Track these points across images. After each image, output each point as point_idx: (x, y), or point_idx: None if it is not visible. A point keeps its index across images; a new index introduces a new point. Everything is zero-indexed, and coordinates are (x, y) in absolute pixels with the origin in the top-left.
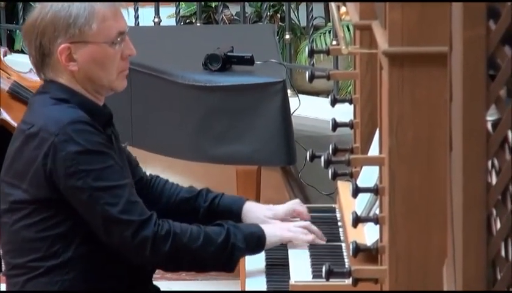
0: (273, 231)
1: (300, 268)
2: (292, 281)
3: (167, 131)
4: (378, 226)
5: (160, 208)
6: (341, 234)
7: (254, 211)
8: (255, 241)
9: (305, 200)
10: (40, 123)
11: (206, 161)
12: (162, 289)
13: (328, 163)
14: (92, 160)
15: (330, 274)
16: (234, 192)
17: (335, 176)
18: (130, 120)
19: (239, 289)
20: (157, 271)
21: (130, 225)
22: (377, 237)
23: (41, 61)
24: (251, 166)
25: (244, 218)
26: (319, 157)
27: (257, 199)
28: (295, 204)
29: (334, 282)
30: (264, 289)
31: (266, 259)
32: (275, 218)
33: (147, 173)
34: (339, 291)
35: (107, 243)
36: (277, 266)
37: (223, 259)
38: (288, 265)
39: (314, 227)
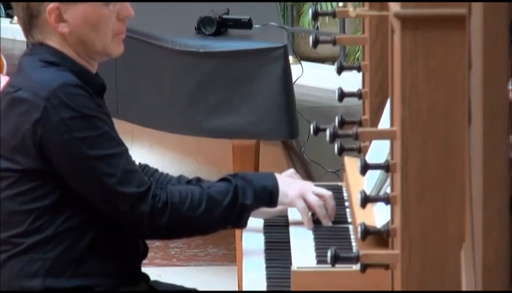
0: (287, 190)
1: (302, 252)
2: (294, 266)
3: (157, 102)
4: (389, 206)
5: None
6: (348, 216)
7: None
8: (267, 197)
9: (308, 178)
10: (28, 86)
11: (200, 135)
12: (151, 276)
13: (333, 137)
14: (87, 126)
15: (336, 259)
16: (230, 169)
17: (341, 151)
18: (115, 90)
19: (236, 276)
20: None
21: (128, 198)
22: (388, 218)
23: (29, 23)
24: (248, 140)
25: None
26: (324, 130)
27: None
28: (289, 174)
29: (341, 268)
30: (263, 276)
31: (266, 242)
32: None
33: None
34: (346, 278)
35: (102, 213)
36: (277, 250)
37: (230, 221)
38: (289, 248)
39: (332, 203)
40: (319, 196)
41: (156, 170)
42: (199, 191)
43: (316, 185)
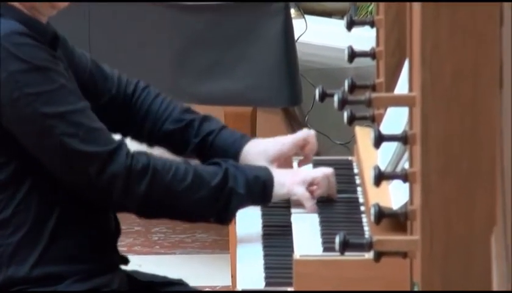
0: (283, 180)
1: (306, 237)
2: (296, 255)
3: (137, 64)
4: (407, 184)
5: (142, 134)
6: (360, 195)
7: (254, 154)
8: (260, 188)
9: None
10: None
11: (187, 101)
12: (130, 266)
13: (343, 103)
14: (40, 79)
15: (345, 246)
16: None
17: (352, 120)
18: (88, 52)
19: (228, 265)
20: (124, 243)
21: (95, 158)
22: (406, 198)
23: None
24: (243, 107)
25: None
26: (332, 95)
27: None
28: (306, 134)
29: (351, 257)
30: (261, 265)
31: (264, 226)
32: (280, 154)
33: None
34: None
35: (67, 184)
36: (277, 235)
37: (217, 207)
38: (290, 233)
39: (333, 180)
40: (322, 175)
41: (158, 94)
42: (184, 166)
43: (321, 160)
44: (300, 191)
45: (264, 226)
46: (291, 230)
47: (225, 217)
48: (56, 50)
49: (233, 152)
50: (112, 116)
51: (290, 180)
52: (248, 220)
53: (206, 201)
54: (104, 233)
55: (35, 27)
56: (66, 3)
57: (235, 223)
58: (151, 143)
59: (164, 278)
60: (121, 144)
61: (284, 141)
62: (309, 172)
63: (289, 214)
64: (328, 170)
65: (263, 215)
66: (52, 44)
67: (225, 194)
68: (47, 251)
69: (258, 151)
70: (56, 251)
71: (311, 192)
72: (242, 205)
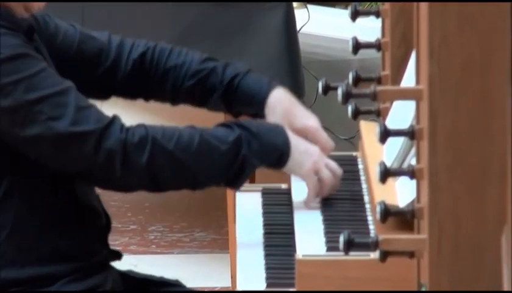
0: (303, 160)
1: (309, 236)
2: (299, 254)
3: None
4: (414, 181)
5: (164, 95)
6: (365, 192)
7: (279, 110)
8: (275, 159)
9: None
10: None
11: None
12: (125, 266)
13: (347, 96)
14: (17, 67)
15: (349, 245)
16: None
17: (357, 114)
18: None
19: (228, 266)
20: (118, 242)
21: (87, 137)
22: (413, 196)
23: None
24: None
25: (268, 114)
26: (335, 88)
27: None
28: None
29: (356, 257)
30: (262, 265)
31: (265, 225)
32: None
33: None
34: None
35: (67, 174)
36: (279, 234)
37: (227, 175)
38: (293, 232)
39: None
40: (332, 172)
41: (172, 49)
42: (189, 130)
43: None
44: (312, 183)
45: (266, 225)
46: (293, 229)
47: (236, 183)
48: (31, 39)
49: (259, 99)
50: (122, 84)
51: (309, 167)
52: (248, 218)
53: (216, 168)
54: (94, 230)
55: (6, 16)
56: (41, 5)
57: (235, 221)
58: (175, 101)
59: (160, 278)
60: (114, 120)
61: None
62: (325, 167)
63: (292, 212)
64: (340, 171)
65: (264, 213)
66: (27, 33)
67: (239, 161)
68: (34, 251)
69: (282, 110)
70: (45, 250)
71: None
72: (254, 170)
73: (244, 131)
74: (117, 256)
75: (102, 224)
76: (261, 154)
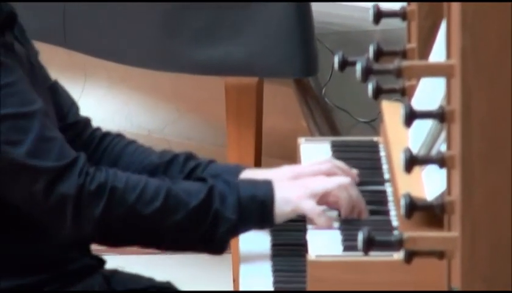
0: (288, 195)
1: (323, 234)
2: (311, 255)
3: (119, 26)
4: (444, 171)
5: None
6: (387, 184)
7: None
8: (257, 210)
9: (332, 130)
10: None
11: (180, 71)
12: (112, 265)
13: (367, 73)
14: None
15: (370, 244)
16: (222, 119)
17: (378, 93)
18: (61, 10)
19: (230, 268)
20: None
21: (41, 175)
22: (443, 188)
23: None
24: (248, 78)
25: None
26: (354, 64)
27: (257, 129)
28: (327, 165)
29: (377, 258)
30: (268, 267)
31: None
32: None
33: (97, 128)
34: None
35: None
36: (288, 231)
37: (199, 234)
38: (304, 229)
39: (355, 192)
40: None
41: (134, 142)
42: (156, 183)
43: (341, 141)
44: (308, 207)
45: None
46: (304, 225)
47: (213, 246)
48: (12, 29)
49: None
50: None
51: (296, 195)
52: None
53: (183, 227)
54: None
55: None
56: None
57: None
58: None
59: (150, 280)
60: (76, 160)
61: (295, 173)
62: (320, 182)
63: None
64: (344, 180)
65: None
66: (5, 24)
67: (209, 218)
68: (7, 262)
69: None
70: (18, 261)
71: (328, 204)
72: (236, 231)
73: (219, 184)
74: (100, 263)
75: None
76: (237, 208)
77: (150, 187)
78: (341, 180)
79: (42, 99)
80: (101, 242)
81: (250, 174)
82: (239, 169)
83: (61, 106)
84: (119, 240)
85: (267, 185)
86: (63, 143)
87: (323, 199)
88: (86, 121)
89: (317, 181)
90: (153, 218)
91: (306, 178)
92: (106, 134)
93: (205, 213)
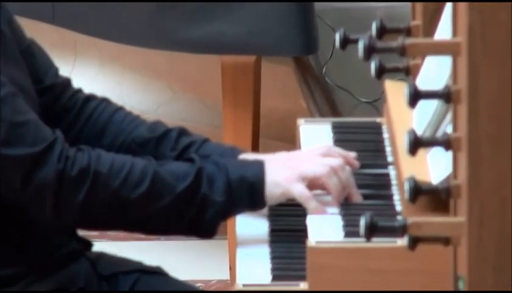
0: (278, 177)
1: (323, 219)
2: (311, 240)
3: (112, 2)
4: (450, 153)
5: (100, 148)
6: (390, 167)
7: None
8: (246, 193)
9: (333, 111)
10: None
11: (174, 49)
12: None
13: (369, 51)
14: None
15: (372, 230)
16: (218, 99)
17: (381, 72)
18: None
19: (226, 254)
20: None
21: (18, 164)
22: (448, 171)
23: None
24: (246, 56)
25: None
26: (355, 41)
27: (255, 110)
28: (325, 149)
29: (379, 244)
30: (266, 254)
31: (269, 206)
32: None
33: (81, 91)
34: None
35: None
36: (287, 216)
37: (186, 218)
38: (304, 214)
39: (344, 176)
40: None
41: (121, 108)
42: (142, 165)
43: (343, 122)
44: (297, 191)
45: (271, 206)
46: (304, 209)
47: (202, 230)
48: None
49: None
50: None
51: (285, 177)
52: None
53: (170, 211)
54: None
55: None
56: None
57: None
58: None
59: (138, 263)
60: (53, 143)
61: (289, 157)
62: (311, 165)
63: None
64: (335, 162)
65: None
66: None
67: (197, 202)
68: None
69: None
70: (6, 247)
71: (321, 188)
72: (224, 214)
73: (208, 166)
74: (87, 245)
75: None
76: (226, 191)
77: (135, 170)
78: (331, 163)
79: (14, 67)
80: (84, 227)
81: (247, 157)
82: (233, 153)
83: (37, 69)
84: (103, 226)
85: (258, 166)
86: (38, 124)
87: (313, 183)
88: (66, 83)
89: (307, 163)
90: (139, 203)
91: (298, 159)
92: (90, 98)
93: (192, 197)
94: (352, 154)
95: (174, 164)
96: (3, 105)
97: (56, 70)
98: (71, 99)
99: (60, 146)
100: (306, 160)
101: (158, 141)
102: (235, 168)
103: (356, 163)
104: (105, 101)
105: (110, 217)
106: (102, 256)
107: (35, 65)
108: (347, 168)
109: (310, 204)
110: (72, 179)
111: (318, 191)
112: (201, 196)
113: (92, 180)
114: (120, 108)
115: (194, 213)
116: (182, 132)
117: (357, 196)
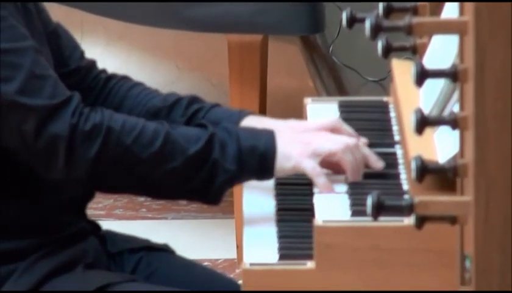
0: (290, 151)
1: (330, 198)
2: (318, 220)
3: None
4: (456, 132)
5: None
6: (397, 146)
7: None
8: (256, 162)
9: (340, 90)
10: None
11: (181, 28)
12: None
13: (376, 30)
14: None
15: (379, 209)
16: (225, 78)
17: (388, 51)
18: None
19: (233, 233)
20: (102, 205)
21: (32, 113)
22: (455, 150)
23: None
24: (252, 35)
25: None
26: (362, 20)
27: (261, 89)
28: (334, 123)
29: (386, 223)
30: (273, 233)
31: (277, 184)
32: None
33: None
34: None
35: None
36: (294, 195)
37: (195, 182)
38: (311, 193)
39: (366, 151)
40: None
41: (139, 84)
42: (154, 126)
43: (349, 101)
44: (309, 166)
45: (278, 185)
46: (311, 188)
47: (209, 196)
48: None
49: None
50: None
51: (298, 151)
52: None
53: (180, 173)
54: (66, 200)
55: None
56: None
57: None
58: None
59: (146, 241)
60: (70, 99)
61: (299, 127)
62: (325, 142)
63: None
64: (350, 140)
65: None
66: None
67: (208, 167)
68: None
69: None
70: (10, 224)
71: (333, 166)
72: (233, 181)
73: (220, 132)
74: (96, 228)
75: (78, 194)
76: (237, 157)
77: (148, 130)
78: (346, 141)
79: (39, 44)
80: (94, 186)
81: (254, 121)
82: (242, 114)
83: (63, 51)
84: (112, 185)
85: (269, 136)
86: (57, 81)
87: (326, 160)
88: (91, 64)
89: (321, 139)
90: (150, 163)
91: (311, 134)
92: (112, 76)
93: (204, 161)
94: (362, 139)
95: (186, 128)
96: (25, 55)
97: (81, 53)
98: (94, 79)
99: (75, 102)
100: (320, 136)
101: (170, 109)
102: (246, 137)
103: (362, 142)
104: (125, 78)
105: (120, 175)
106: (109, 233)
107: (61, 47)
108: (363, 144)
109: (320, 179)
110: (85, 134)
111: (328, 172)
112: (212, 161)
113: (105, 136)
114: (138, 84)
115: (204, 178)
116: (193, 99)
117: (378, 163)
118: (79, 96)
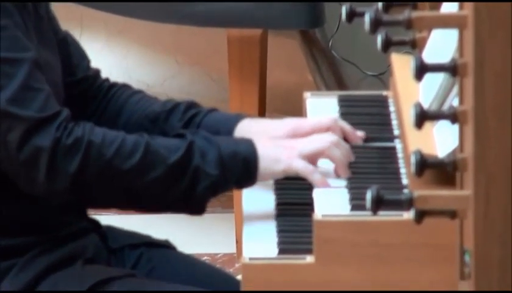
0: (278, 154)
1: (329, 193)
2: (317, 214)
3: None
4: (456, 126)
5: (116, 128)
6: (397, 140)
7: (253, 132)
8: (240, 167)
9: (339, 84)
10: None
11: (181, 22)
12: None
13: (376, 24)
14: None
15: (378, 203)
16: (224, 72)
17: (387, 45)
18: None
19: (233, 228)
20: None
21: (19, 123)
22: (455, 144)
23: None
24: (251, 29)
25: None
26: (362, 14)
27: (261, 83)
28: (330, 120)
29: (386, 217)
30: (273, 227)
31: (276, 179)
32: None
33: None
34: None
35: None
36: (294, 190)
37: (178, 191)
38: (310, 188)
39: (344, 150)
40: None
41: (139, 92)
42: (135, 138)
43: (349, 95)
44: (300, 165)
45: (277, 179)
46: (310, 184)
47: (193, 205)
48: None
49: (226, 131)
50: (77, 104)
51: (286, 154)
52: None
53: (162, 183)
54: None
55: None
56: None
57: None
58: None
59: (147, 236)
60: (58, 114)
61: (295, 125)
62: (308, 142)
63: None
64: (332, 137)
65: None
66: None
67: (189, 173)
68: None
69: (257, 131)
70: (9, 221)
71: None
72: (218, 188)
73: (198, 140)
74: (97, 226)
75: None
76: (219, 163)
77: (128, 142)
78: (329, 139)
79: (49, 52)
80: (80, 201)
81: (252, 123)
82: (239, 118)
83: (71, 59)
84: (97, 199)
85: (248, 142)
86: (49, 96)
87: (314, 159)
88: (96, 74)
89: (304, 142)
90: (132, 174)
91: (292, 140)
92: (113, 85)
93: (185, 168)
94: (359, 133)
95: (165, 138)
96: (21, 65)
97: (88, 62)
98: (98, 88)
99: (62, 117)
100: (301, 140)
101: (168, 114)
102: (226, 144)
103: (359, 137)
104: (125, 86)
105: (103, 188)
106: (110, 229)
107: (70, 56)
108: (343, 142)
109: (314, 176)
110: (66, 147)
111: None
112: (194, 167)
113: (86, 149)
114: (138, 92)
115: (186, 185)
116: (191, 104)
117: (357, 135)
118: (68, 111)
